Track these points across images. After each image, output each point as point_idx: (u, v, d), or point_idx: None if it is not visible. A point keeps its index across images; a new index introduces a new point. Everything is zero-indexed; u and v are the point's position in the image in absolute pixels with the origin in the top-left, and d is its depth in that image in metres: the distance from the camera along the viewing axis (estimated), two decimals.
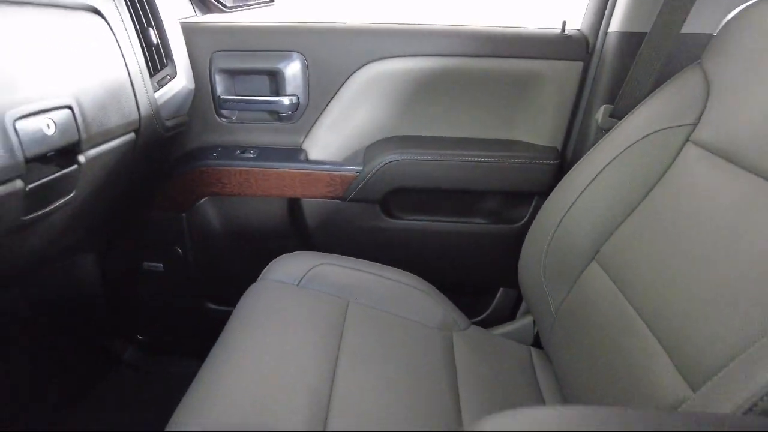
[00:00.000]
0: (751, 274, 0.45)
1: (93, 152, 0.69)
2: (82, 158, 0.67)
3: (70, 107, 0.62)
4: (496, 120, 0.99)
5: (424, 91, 0.97)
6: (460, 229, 1.03)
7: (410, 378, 0.71)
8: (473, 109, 0.98)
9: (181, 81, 0.90)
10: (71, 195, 0.69)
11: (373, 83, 0.96)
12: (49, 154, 0.61)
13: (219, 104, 0.98)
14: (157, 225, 1.05)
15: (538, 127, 0.98)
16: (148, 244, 1.07)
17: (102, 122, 0.70)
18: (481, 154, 0.95)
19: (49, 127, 0.59)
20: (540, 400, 0.74)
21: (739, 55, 0.60)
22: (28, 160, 0.56)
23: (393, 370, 0.71)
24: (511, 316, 1.10)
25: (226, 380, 0.61)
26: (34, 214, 0.62)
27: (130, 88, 0.76)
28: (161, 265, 1.09)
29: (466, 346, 0.81)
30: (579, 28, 0.94)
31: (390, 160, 0.95)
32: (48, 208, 0.65)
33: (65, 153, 0.65)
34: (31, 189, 0.58)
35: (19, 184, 0.56)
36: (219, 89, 0.97)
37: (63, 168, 0.64)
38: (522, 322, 0.91)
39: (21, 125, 0.55)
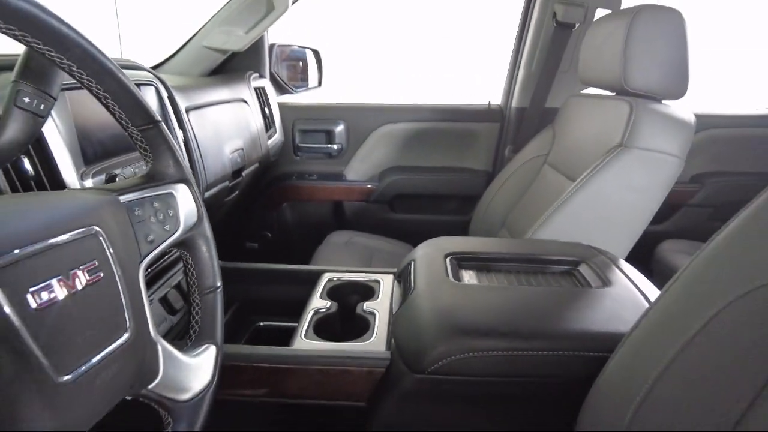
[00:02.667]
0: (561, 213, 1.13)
1: (247, 170, 1.41)
2: (244, 173, 1.38)
3: (242, 148, 1.34)
4: (453, 155, 1.71)
5: (412, 139, 1.69)
6: (433, 219, 1.72)
7: None
8: (440, 149, 1.70)
9: (279, 136, 1.63)
10: (237, 192, 1.39)
11: (384, 136, 1.69)
12: (234, 170, 1.32)
13: (296, 149, 1.71)
14: (257, 219, 1.75)
15: (477, 158, 1.70)
16: (249, 231, 1.77)
17: (250, 155, 1.41)
18: (444, 174, 1.67)
19: (238, 157, 1.31)
20: None
21: (567, 119, 1.32)
22: (231, 173, 1.27)
23: None
24: None
25: None
26: (228, 198, 1.33)
27: (258, 138, 1.49)
28: (256, 244, 1.78)
29: None
30: (498, 103, 1.68)
31: (394, 178, 1.67)
32: (231, 197, 1.35)
33: (238, 171, 1.36)
34: (231, 186, 1.29)
35: (227, 183, 1.27)
36: (297, 140, 1.71)
37: (237, 178, 1.36)
38: None
39: (230, 156, 1.26)
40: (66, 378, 0.34)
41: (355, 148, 1.71)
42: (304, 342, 0.74)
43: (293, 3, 1.41)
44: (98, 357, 0.37)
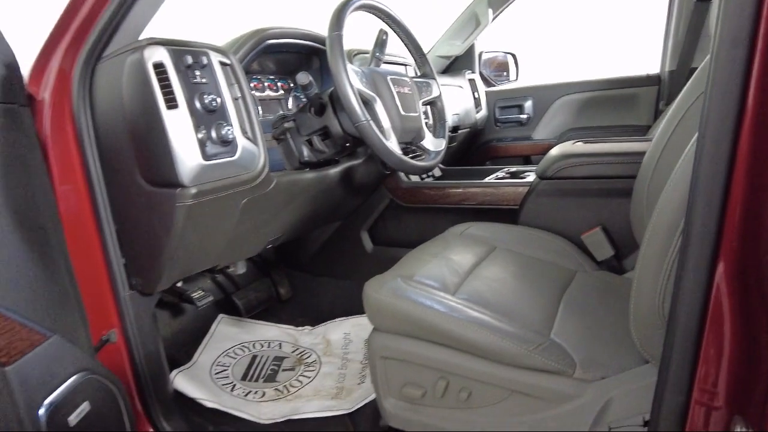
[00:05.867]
0: None
1: (461, 130, 2.17)
2: (459, 131, 2.15)
3: (458, 114, 2.12)
4: (618, 115, 2.18)
5: (583, 106, 2.24)
6: None
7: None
8: (607, 112, 2.20)
9: (484, 112, 2.37)
10: (456, 143, 2.17)
11: (562, 105, 2.29)
12: (453, 126, 2.10)
13: (496, 121, 2.43)
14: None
15: (639, 116, 2.14)
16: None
17: (464, 121, 2.18)
18: (612, 131, 2.17)
19: (457, 119, 2.09)
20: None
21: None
22: (452, 127, 2.05)
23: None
24: None
25: None
26: (450, 145, 2.11)
27: (469, 112, 2.24)
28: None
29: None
30: (655, 72, 2.12)
31: (570, 134, 2.25)
32: (452, 144, 2.13)
33: (455, 128, 2.13)
34: (451, 136, 2.07)
35: (449, 133, 2.05)
36: (497, 114, 2.42)
37: (455, 132, 2.13)
38: None
39: (452, 116, 2.04)
40: None
41: (539, 117, 2.34)
42: None
43: (493, 20, 2.17)
44: None
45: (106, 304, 1.06)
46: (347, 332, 1.62)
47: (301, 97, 1.46)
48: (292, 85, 1.47)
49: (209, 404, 1.25)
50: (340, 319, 1.68)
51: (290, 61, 1.43)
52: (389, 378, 0.99)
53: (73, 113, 0.95)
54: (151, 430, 1.14)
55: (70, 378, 0.80)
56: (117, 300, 1.06)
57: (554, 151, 1.40)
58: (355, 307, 1.69)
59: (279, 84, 1.43)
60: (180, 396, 1.27)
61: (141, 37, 0.97)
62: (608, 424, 0.80)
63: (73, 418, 0.80)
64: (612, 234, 1.28)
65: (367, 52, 1.47)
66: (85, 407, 0.83)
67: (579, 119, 2.27)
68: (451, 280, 1.04)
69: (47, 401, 0.75)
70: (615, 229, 1.28)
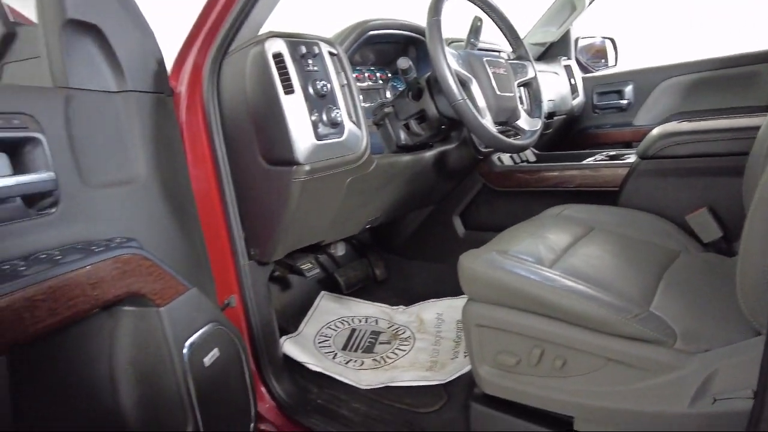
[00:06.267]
0: None
1: (557, 117, 2.14)
2: (555, 117, 2.12)
3: (554, 100, 2.08)
4: (731, 97, 2.02)
5: (690, 88, 2.11)
6: None
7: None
8: (718, 94, 2.05)
9: (581, 98, 2.31)
10: (551, 129, 2.14)
11: (666, 89, 2.17)
12: (549, 112, 2.08)
13: (594, 107, 2.35)
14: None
15: (758, 96, 1.97)
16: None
17: (559, 107, 2.14)
18: (725, 114, 2.02)
19: (552, 105, 2.06)
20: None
21: None
22: (548, 113, 2.03)
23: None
24: None
25: None
26: (545, 131, 2.09)
27: (565, 98, 2.20)
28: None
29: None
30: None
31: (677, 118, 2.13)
32: (547, 131, 2.11)
33: (551, 114, 2.10)
34: (546, 123, 2.05)
35: (544, 119, 2.03)
36: (595, 101, 2.35)
37: (551, 118, 2.10)
38: None
39: (547, 103, 2.02)
40: None
41: (641, 102, 2.23)
42: None
43: (589, 4, 2.11)
44: None
45: (228, 272, 1.20)
46: (440, 312, 1.67)
47: (398, 86, 1.55)
48: (389, 75, 1.56)
49: (314, 368, 1.37)
50: (432, 300, 1.74)
51: (388, 51, 1.52)
52: (484, 346, 1.03)
53: (204, 104, 1.10)
54: (263, 388, 1.27)
55: (205, 326, 0.94)
56: (237, 269, 1.21)
57: (656, 131, 1.36)
58: (447, 290, 1.75)
59: (378, 74, 1.52)
60: (288, 360, 1.40)
61: (260, 33, 1.10)
62: (713, 395, 0.79)
63: (207, 360, 0.94)
64: (720, 215, 1.22)
65: (461, 40, 1.51)
66: (215, 353, 0.97)
67: (686, 103, 2.13)
68: (546, 256, 1.06)
69: (188, 342, 0.89)
70: (723, 210, 1.22)
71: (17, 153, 0.72)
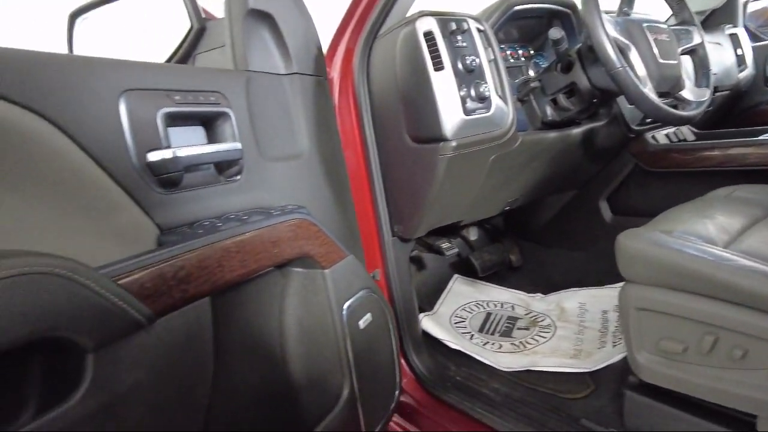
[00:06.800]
0: None
1: (720, 92, 1.90)
2: (716, 93, 1.88)
3: (716, 73, 1.86)
4: None
5: None
6: None
7: None
8: None
9: (750, 70, 2.03)
10: (712, 107, 1.91)
11: None
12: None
13: (766, 81, 2.05)
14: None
15: None
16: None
17: (722, 81, 1.90)
18: None
19: (714, 80, 1.84)
20: None
21: None
22: None
23: None
24: None
25: None
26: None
27: (730, 71, 1.94)
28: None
29: None
30: None
31: None
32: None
33: (714, 90, 1.88)
34: None
35: None
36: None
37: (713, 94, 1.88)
38: None
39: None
40: None
41: None
42: None
43: None
44: None
45: (373, 247, 1.26)
46: (582, 302, 1.59)
47: (541, 63, 1.49)
48: (531, 52, 1.51)
49: (453, 346, 1.38)
50: (573, 289, 1.66)
51: (532, 26, 1.47)
52: (644, 331, 0.96)
53: (354, 87, 1.16)
54: (403, 361, 1.31)
55: (360, 291, 0.99)
56: (381, 244, 1.26)
57: None
58: (588, 279, 1.66)
59: (520, 52, 1.48)
60: (426, 336, 1.43)
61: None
62: None
63: (362, 323, 0.99)
64: None
65: (612, 12, 1.41)
66: (368, 317, 1.02)
67: None
68: (719, 237, 0.95)
69: (346, 304, 0.95)
70: None
71: (212, 126, 0.83)
